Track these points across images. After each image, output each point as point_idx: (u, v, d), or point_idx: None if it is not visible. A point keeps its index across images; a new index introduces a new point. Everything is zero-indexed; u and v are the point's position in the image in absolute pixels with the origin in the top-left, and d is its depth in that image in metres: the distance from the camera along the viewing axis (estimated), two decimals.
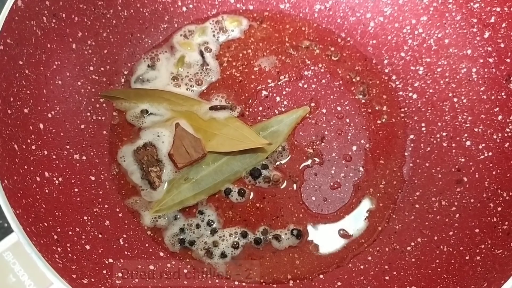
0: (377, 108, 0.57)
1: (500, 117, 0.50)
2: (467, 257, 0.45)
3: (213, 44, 0.59)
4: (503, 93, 0.50)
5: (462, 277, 0.43)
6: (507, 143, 0.48)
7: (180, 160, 0.52)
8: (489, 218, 0.46)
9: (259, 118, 0.56)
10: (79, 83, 0.52)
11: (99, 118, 0.54)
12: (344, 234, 0.52)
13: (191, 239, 0.51)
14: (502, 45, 0.50)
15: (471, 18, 0.52)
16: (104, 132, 0.54)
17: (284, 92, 0.57)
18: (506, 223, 0.44)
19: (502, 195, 0.46)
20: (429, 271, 0.46)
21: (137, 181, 0.52)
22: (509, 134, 0.49)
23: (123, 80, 0.56)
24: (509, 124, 0.49)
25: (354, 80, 0.58)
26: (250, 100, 0.56)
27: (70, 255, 0.42)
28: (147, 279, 0.46)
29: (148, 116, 0.55)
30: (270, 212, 0.52)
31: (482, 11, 0.51)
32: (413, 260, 0.48)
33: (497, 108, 0.50)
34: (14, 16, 0.44)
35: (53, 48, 0.49)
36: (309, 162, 0.54)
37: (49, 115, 0.49)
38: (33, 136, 0.46)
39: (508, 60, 0.49)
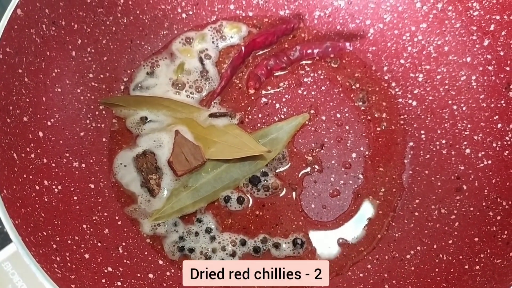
0: (376, 115, 0.57)
1: (499, 125, 0.50)
2: (466, 266, 0.45)
3: (212, 51, 0.59)
4: (502, 101, 0.50)
5: (461, 286, 0.43)
6: (507, 152, 0.48)
7: (179, 167, 0.52)
8: (488, 227, 0.46)
9: (258, 125, 0.56)
10: (78, 91, 0.52)
11: (99, 125, 0.54)
12: (343, 242, 0.52)
13: (190, 247, 0.51)
14: (502, 53, 0.50)
15: (470, 25, 0.52)
16: (104, 139, 0.54)
17: (283, 99, 0.57)
18: (506, 232, 0.44)
19: (502, 203, 0.46)
20: (429, 280, 0.46)
21: (135, 189, 0.52)
22: (509, 142, 0.49)
23: (122, 87, 0.56)
24: (509, 132, 0.49)
25: (353, 87, 0.58)
26: (250, 107, 0.56)
27: (69, 264, 0.42)
28: (146, 287, 0.46)
29: (148, 123, 0.55)
30: (269, 220, 0.52)
31: (481, 19, 0.51)
32: (413, 268, 0.48)
33: (497, 116, 0.50)
34: (14, 25, 0.44)
35: (52, 56, 0.49)
36: (308, 169, 0.54)
37: (49, 123, 0.49)
38: (32, 145, 0.46)
39: (508, 68, 0.49)
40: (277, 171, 0.54)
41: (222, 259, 0.50)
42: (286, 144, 0.55)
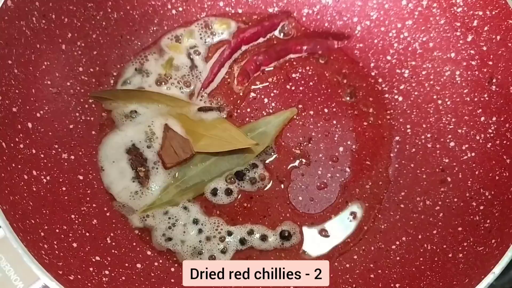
0: (363, 110, 0.57)
1: (482, 118, 0.51)
2: (450, 255, 0.45)
3: (201, 47, 0.59)
4: (485, 95, 0.51)
5: (445, 274, 0.44)
6: (490, 144, 0.49)
7: (168, 160, 0.52)
8: (471, 217, 0.47)
9: (247, 119, 0.56)
10: (68, 84, 0.53)
11: (88, 118, 0.54)
12: (329, 234, 0.52)
13: (178, 238, 0.51)
14: (485, 48, 0.51)
15: (454, 22, 0.53)
16: (93, 132, 0.54)
17: (272, 94, 0.58)
18: (488, 221, 0.45)
19: (485, 194, 0.47)
20: (413, 269, 0.47)
21: (119, 188, 0.52)
22: (491, 135, 0.49)
23: (112, 81, 0.57)
24: (492, 125, 0.50)
25: (341, 82, 0.59)
26: (238, 101, 0.57)
27: (56, 252, 0.42)
28: (134, 277, 0.46)
29: (137, 116, 0.55)
30: (257, 211, 0.53)
31: (465, 15, 0.52)
32: (398, 258, 0.49)
33: (480, 110, 0.51)
34: (4, 16, 0.45)
35: (42, 49, 0.50)
36: (296, 162, 0.55)
37: (38, 115, 0.49)
38: (21, 135, 0.46)
39: (490, 63, 0.50)
40: (266, 162, 0.54)
41: (213, 254, 0.50)
42: (274, 138, 0.55)
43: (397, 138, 0.56)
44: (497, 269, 0.39)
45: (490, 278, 0.39)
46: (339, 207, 0.54)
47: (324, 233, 0.52)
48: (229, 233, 0.51)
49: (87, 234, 0.47)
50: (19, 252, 0.37)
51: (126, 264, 0.47)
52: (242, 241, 0.51)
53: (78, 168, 0.51)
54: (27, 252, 0.38)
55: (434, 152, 0.53)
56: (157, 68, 0.58)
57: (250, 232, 0.52)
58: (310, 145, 0.56)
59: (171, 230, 0.51)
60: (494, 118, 0.49)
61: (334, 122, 0.57)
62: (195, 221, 0.51)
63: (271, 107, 0.57)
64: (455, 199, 0.49)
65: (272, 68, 0.59)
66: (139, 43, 0.59)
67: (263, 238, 0.51)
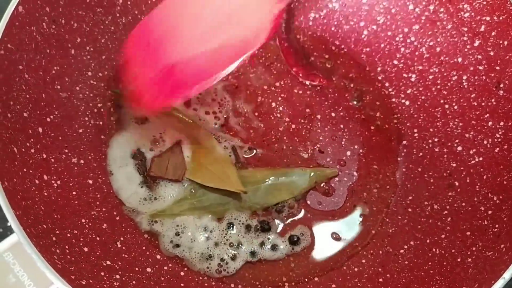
0: (370, 114, 0.58)
1: (490, 123, 0.51)
2: (459, 259, 0.46)
3: None
4: (493, 100, 0.51)
5: (454, 278, 0.44)
6: (497, 148, 0.49)
7: (155, 169, 0.53)
8: (480, 221, 0.47)
9: (255, 122, 0.57)
10: (77, 88, 0.53)
11: (97, 122, 0.54)
12: (338, 237, 0.53)
13: (186, 245, 0.51)
14: (492, 53, 0.51)
15: (461, 27, 0.53)
16: (102, 136, 0.54)
17: (279, 98, 0.58)
18: (497, 225, 0.45)
19: (493, 198, 0.47)
20: (422, 273, 0.47)
21: (128, 193, 0.53)
22: (499, 139, 0.50)
23: (120, 85, 0.57)
24: (499, 130, 0.50)
25: (348, 87, 0.59)
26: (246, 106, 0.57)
27: (68, 256, 0.42)
28: (144, 281, 0.46)
29: (146, 123, 0.55)
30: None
31: (472, 20, 0.52)
32: (406, 262, 0.49)
33: (487, 114, 0.51)
34: (15, 22, 0.45)
35: (52, 54, 0.50)
36: None
37: (48, 119, 0.49)
38: (32, 140, 0.46)
39: (498, 68, 0.50)
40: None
41: (221, 259, 0.50)
42: (302, 193, 0.54)
43: (404, 142, 0.56)
44: (507, 274, 0.39)
45: (500, 283, 0.39)
46: (346, 211, 0.54)
47: (331, 236, 0.53)
48: (239, 243, 0.51)
49: (98, 238, 0.47)
50: (33, 258, 0.38)
51: (136, 268, 0.47)
52: (253, 253, 0.51)
53: (88, 173, 0.51)
54: (40, 258, 0.38)
55: (441, 157, 0.54)
56: None
57: (261, 244, 0.51)
58: (317, 149, 0.56)
59: (179, 237, 0.51)
60: (501, 123, 0.50)
61: (341, 126, 0.57)
62: (205, 228, 0.51)
63: (278, 111, 0.57)
64: (463, 204, 0.50)
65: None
66: None
67: (274, 247, 0.51)
